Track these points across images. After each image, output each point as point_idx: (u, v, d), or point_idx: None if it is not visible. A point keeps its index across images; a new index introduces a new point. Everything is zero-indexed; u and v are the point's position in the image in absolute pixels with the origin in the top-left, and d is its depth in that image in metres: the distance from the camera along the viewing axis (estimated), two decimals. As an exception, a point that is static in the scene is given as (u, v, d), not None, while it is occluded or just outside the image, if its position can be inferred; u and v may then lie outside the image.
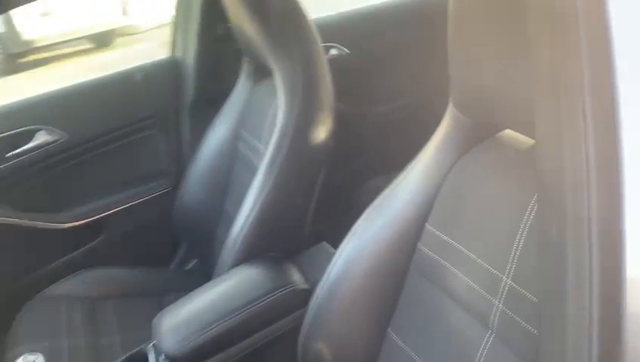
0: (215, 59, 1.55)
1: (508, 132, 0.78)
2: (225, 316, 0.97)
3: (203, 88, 1.56)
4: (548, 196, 0.54)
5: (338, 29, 1.63)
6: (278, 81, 1.16)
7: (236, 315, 0.98)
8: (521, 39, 0.63)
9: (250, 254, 1.12)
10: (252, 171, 1.24)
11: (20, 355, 1.13)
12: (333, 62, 1.30)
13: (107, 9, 5.18)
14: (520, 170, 0.72)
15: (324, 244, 1.17)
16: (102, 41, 5.33)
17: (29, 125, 1.41)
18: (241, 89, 1.38)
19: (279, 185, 1.11)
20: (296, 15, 1.14)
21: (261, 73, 1.32)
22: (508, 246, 0.69)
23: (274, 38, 1.14)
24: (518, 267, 0.68)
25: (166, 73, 1.58)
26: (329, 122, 1.15)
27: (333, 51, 1.61)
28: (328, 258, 0.92)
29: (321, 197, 1.20)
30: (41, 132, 1.42)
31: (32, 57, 5.01)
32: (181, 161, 1.61)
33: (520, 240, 0.68)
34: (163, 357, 0.93)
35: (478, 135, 0.80)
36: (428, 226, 0.82)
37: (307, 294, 0.97)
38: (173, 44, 1.60)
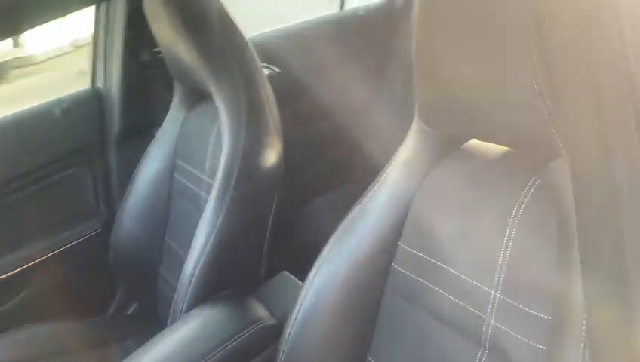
0: (142, 87, 1.46)
1: (474, 141, 0.78)
2: None
3: (130, 119, 1.47)
4: (592, 214, 0.53)
5: (267, 49, 1.60)
6: (220, 104, 1.10)
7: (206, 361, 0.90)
8: (490, 47, 0.62)
9: (207, 293, 1.05)
10: (195, 203, 1.16)
11: None
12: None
13: (-5, 42, 4.84)
14: (495, 179, 0.71)
15: (284, 273, 1.11)
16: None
17: None
18: (174, 116, 1.30)
19: (232, 215, 1.05)
20: (234, 36, 1.10)
21: (196, 98, 1.25)
22: (493, 257, 0.68)
23: (213, 60, 1.09)
24: (506, 278, 0.66)
25: (88, 105, 1.47)
26: (277, 144, 1.11)
27: (265, 71, 1.58)
28: (292, 288, 0.87)
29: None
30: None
31: None
32: (110, 198, 1.50)
33: (506, 250, 0.67)
34: None
35: (445, 147, 0.78)
36: (401, 245, 0.80)
37: (277, 329, 0.92)
38: (93, 73, 1.50)
